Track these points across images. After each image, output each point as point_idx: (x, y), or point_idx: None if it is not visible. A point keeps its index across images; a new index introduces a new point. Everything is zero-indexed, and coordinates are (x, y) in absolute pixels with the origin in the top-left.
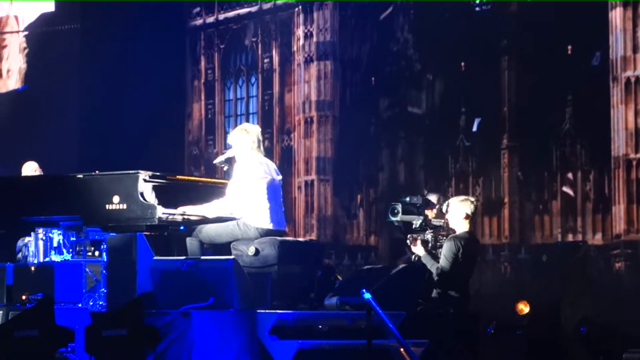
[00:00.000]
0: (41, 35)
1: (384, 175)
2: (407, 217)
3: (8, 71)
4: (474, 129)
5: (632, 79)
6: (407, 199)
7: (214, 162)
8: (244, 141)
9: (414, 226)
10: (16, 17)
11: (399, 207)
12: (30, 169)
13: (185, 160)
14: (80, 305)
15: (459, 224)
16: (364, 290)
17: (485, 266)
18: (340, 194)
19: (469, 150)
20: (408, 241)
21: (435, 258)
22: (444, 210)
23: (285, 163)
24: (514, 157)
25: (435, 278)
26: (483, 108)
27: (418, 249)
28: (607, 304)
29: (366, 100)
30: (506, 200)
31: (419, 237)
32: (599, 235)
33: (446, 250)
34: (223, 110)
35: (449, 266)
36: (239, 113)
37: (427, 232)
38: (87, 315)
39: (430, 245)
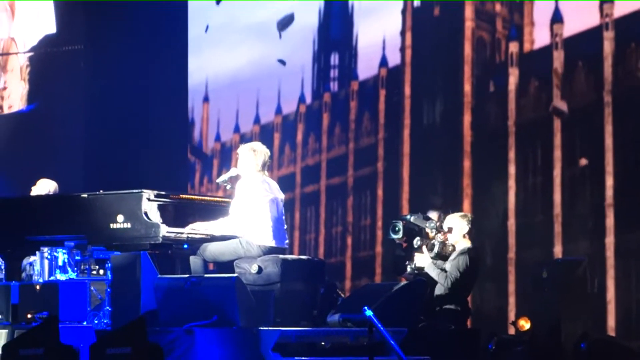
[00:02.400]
0: (45, 56)
1: None
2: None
3: (10, 107)
4: None
5: None
6: (408, 216)
7: (217, 180)
8: (249, 161)
9: (415, 245)
10: (14, 40)
11: (400, 224)
12: (48, 185)
13: (189, 177)
14: (85, 323)
15: (460, 240)
16: (366, 308)
17: None
18: None
19: None
20: (415, 244)
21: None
22: (443, 228)
23: None
24: None
25: (443, 288)
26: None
27: (423, 259)
28: None
29: None
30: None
31: (426, 243)
32: None
33: (461, 262)
34: None
35: (460, 279)
36: None
37: (435, 240)
38: (91, 333)
39: (436, 251)
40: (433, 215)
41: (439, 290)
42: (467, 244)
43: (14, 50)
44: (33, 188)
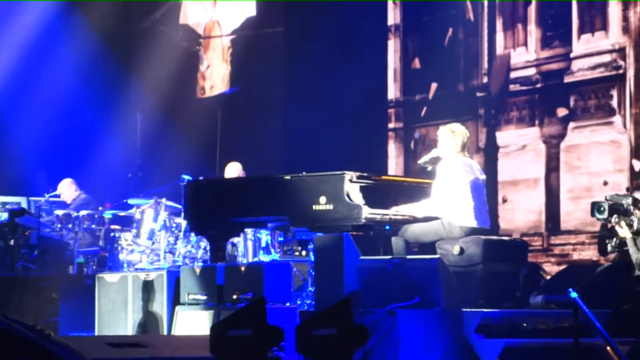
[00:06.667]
0: (246, 39)
1: None
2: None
3: (211, 87)
4: None
5: None
6: (616, 196)
7: (418, 162)
8: (449, 142)
9: (613, 222)
10: (218, 23)
11: (605, 204)
12: (234, 169)
13: (390, 154)
14: (288, 304)
15: None
16: (571, 290)
17: None
18: None
19: None
20: (613, 221)
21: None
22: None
23: None
24: None
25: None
26: None
27: (624, 231)
28: None
29: None
30: None
31: (624, 219)
32: None
33: None
34: None
35: None
36: None
37: (633, 215)
38: (295, 314)
39: (635, 229)
40: None
41: (639, 270)
42: None
43: (216, 32)
44: (226, 171)
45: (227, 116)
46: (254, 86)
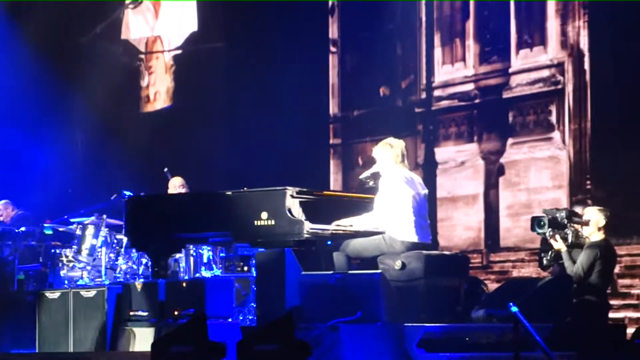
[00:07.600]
0: (188, 54)
1: None
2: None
3: (155, 93)
4: None
5: None
6: (554, 210)
7: (360, 177)
8: (387, 155)
9: (547, 235)
10: (160, 38)
11: (545, 219)
12: (176, 184)
13: (330, 169)
14: (230, 320)
15: (594, 233)
16: (511, 304)
17: None
18: None
19: None
20: (548, 235)
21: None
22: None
23: None
24: None
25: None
26: None
27: (558, 244)
28: None
29: None
30: None
31: (559, 233)
32: None
33: (583, 257)
34: None
35: (583, 273)
36: None
37: (568, 229)
38: (237, 329)
39: (570, 242)
40: (578, 209)
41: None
42: (599, 237)
43: (158, 48)
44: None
45: (169, 131)
46: (196, 101)
